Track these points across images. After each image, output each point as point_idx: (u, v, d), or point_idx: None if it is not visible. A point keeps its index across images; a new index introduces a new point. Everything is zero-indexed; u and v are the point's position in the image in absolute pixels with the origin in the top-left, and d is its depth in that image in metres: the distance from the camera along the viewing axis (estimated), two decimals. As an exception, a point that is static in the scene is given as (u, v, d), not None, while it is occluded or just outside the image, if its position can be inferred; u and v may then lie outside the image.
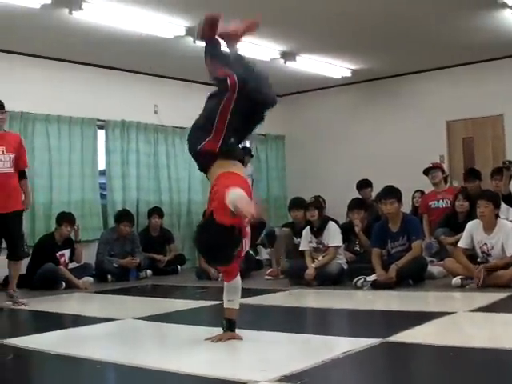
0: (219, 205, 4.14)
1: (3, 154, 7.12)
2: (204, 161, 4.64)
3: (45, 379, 4.15)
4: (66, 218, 8.87)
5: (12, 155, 7.18)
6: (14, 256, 7.29)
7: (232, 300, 4.69)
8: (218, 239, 4.11)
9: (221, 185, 4.34)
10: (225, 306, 4.70)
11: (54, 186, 9.63)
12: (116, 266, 9.26)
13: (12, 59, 9.22)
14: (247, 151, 11.92)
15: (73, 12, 7.69)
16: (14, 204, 7.23)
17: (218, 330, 4.75)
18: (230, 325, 4.68)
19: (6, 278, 7.73)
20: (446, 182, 9.96)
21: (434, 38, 9.70)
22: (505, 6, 8.22)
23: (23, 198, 7.39)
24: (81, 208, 9.89)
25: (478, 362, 3.94)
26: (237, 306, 4.69)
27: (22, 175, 7.38)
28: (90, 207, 10.11)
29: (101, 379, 4.06)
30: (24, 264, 8.18)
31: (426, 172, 9.74)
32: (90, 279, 8.91)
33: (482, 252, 7.05)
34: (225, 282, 4.71)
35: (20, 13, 7.69)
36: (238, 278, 4.69)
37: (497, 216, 7.10)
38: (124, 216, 9.63)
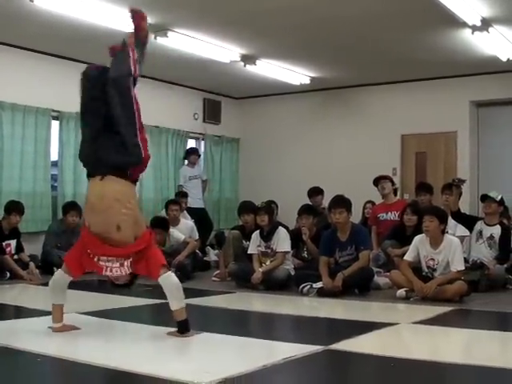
0: None
1: None
2: None
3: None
4: (15, 208, 8.77)
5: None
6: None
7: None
8: None
9: None
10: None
11: (4, 176, 9.50)
12: (64, 258, 9.15)
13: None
14: (194, 150, 12.04)
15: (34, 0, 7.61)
16: None
17: (161, 329, 4.76)
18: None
19: None
20: (395, 195, 10.04)
21: (392, 53, 9.82)
22: (465, 25, 8.33)
23: None
24: (32, 199, 9.77)
25: (417, 374, 3.98)
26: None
27: None
28: (41, 198, 9.99)
29: (41, 373, 4.01)
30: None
31: (376, 182, 9.81)
32: (36, 271, 8.77)
33: (428, 267, 7.11)
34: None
35: (-20, -3, 7.60)
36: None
37: (443, 232, 7.17)
38: (71, 207, 9.50)
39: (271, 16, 8.30)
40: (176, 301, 4.71)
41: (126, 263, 4.71)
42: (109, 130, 4.74)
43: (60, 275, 4.96)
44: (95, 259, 4.72)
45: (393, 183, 9.92)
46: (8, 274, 8.44)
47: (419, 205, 8.84)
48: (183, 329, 4.75)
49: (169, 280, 4.70)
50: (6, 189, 9.48)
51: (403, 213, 8.54)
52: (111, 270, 4.71)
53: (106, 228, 4.69)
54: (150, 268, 4.73)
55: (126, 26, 8.42)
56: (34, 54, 9.87)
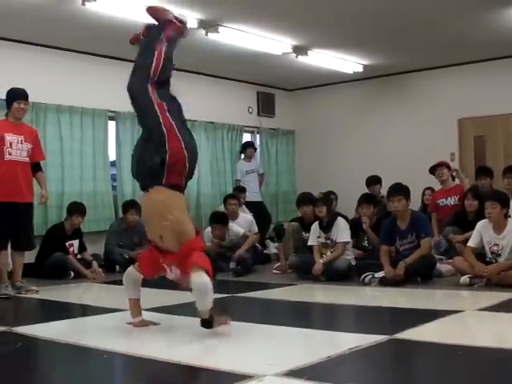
0: None
1: (21, 143, 7.19)
2: None
3: (52, 368, 4.19)
4: (77, 209, 8.91)
5: (29, 146, 7.25)
6: (23, 247, 7.32)
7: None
8: None
9: None
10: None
11: (65, 177, 9.64)
12: (127, 257, 9.25)
13: (25, 49, 9.23)
14: (250, 144, 12.08)
15: (86, 3, 7.69)
16: (30, 195, 7.29)
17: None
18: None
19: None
20: (453, 179, 9.92)
21: (446, 35, 9.67)
22: (519, 4, 8.18)
23: (40, 191, 7.44)
24: (93, 199, 9.90)
25: (484, 361, 3.94)
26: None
27: (37, 168, 7.44)
28: (102, 198, 10.12)
29: (107, 369, 4.08)
30: (33, 253, 8.22)
31: (432, 171, 9.69)
32: (99, 269, 8.86)
33: (492, 252, 7.02)
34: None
35: (33, 3, 7.72)
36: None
37: (506, 216, 7.06)
38: (130, 205, 9.58)
39: (322, 5, 8.25)
40: (200, 302, 4.54)
41: (173, 268, 4.75)
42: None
43: (132, 270, 5.05)
44: (161, 260, 4.81)
45: (449, 168, 9.79)
46: (72, 274, 8.59)
47: (480, 189, 8.72)
48: (207, 326, 4.62)
49: (196, 279, 4.49)
50: (67, 190, 9.62)
51: (464, 198, 8.43)
52: (168, 274, 4.82)
53: (152, 237, 4.83)
54: (185, 266, 4.62)
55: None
56: (88, 57, 9.99)
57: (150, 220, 4.87)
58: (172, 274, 4.78)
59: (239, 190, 11.03)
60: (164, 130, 4.70)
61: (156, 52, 4.90)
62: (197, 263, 4.54)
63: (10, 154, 7.07)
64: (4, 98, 7.35)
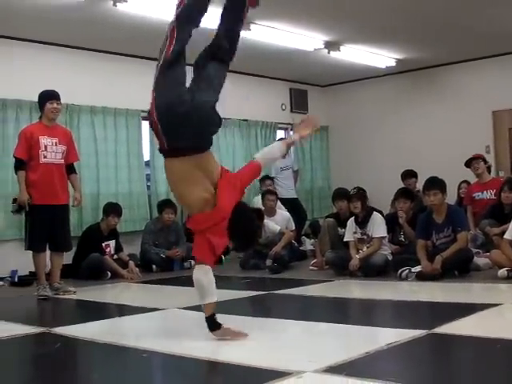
0: None
1: (56, 145, 7.25)
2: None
3: (92, 368, 4.21)
4: (113, 210, 8.97)
5: (64, 147, 7.31)
6: (60, 248, 7.38)
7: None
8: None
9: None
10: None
11: (101, 177, 9.70)
12: (163, 256, 9.30)
13: (57, 51, 9.32)
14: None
15: (117, 4, 7.75)
16: (66, 197, 7.36)
17: (263, 320, 4.77)
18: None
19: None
20: (489, 172, 9.83)
21: (479, 27, 9.57)
22: (553, -7, 8.08)
23: (74, 194, 7.50)
24: (128, 199, 9.96)
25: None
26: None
27: (71, 169, 7.50)
28: (138, 198, 10.17)
29: (147, 368, 4.09)
30: (70, 254, 8.28)
31: (468, 164, 9.61)
32: (136, 269, 8.90)
33: (530, 245, 6.96)
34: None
35: (65, 5, 7.79)
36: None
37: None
38: (166, 204, 9.60)
39: (353, 1, 8.22)
40: (198, 296, 4.53)
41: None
42: None
43: None
44: None
45: (485, 161, 9.70)
46: (109, 274, 8.64)
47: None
48: (208, 326, 4.52)
49: (195, 275, 4.48)
50: (103, 190, 9.69)
51: (500, 191, 8.35)
52: None
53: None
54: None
55: (210, 23, 8.55)
56: (120, 57, 10.05)
57: None
58: None
59: (265, 178, 10.93)
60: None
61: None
62: (197, 258, 4.60)
63: (45, 156, 7.14)
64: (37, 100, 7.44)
